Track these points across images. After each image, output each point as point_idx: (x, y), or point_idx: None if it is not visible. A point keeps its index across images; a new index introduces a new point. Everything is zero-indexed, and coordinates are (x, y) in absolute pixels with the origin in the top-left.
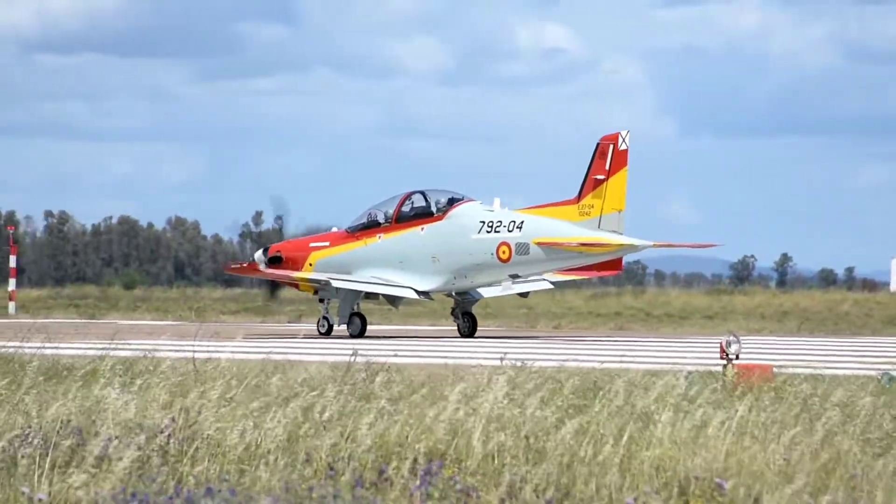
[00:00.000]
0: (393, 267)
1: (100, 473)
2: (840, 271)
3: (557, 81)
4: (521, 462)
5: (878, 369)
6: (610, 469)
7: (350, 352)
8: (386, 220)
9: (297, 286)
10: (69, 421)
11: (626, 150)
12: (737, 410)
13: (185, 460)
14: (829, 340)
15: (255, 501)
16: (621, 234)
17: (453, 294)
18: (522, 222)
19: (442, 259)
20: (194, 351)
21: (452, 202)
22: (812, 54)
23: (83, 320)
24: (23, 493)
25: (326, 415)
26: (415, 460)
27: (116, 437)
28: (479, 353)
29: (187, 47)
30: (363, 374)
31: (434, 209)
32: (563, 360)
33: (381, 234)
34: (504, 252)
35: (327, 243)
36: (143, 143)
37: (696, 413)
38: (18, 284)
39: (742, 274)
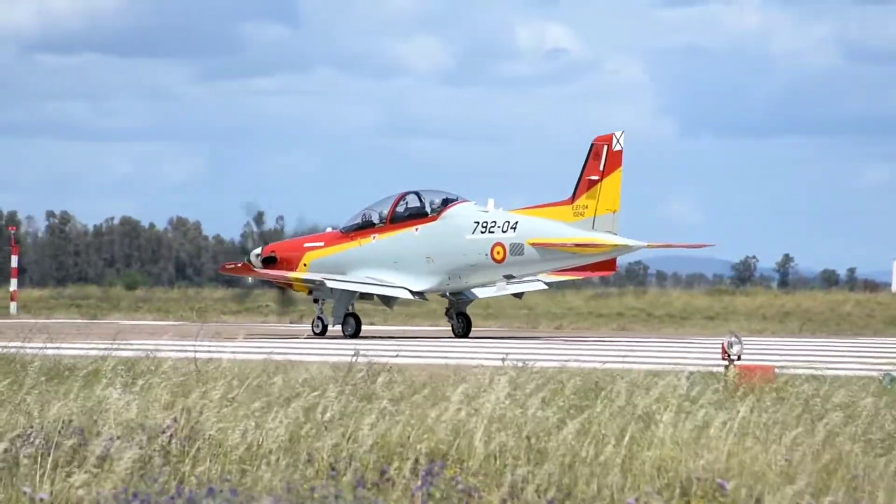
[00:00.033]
0: (387, 267)
1: (101, 473)
2: (842, 272)
3: (558, 81)
4: (523, 462)
5: (880, 370)
6: (611, 469)
7: (351, 352)
8: (380, 221)
9: (291, 286)
10: (71, 421)
11: (620, 151)
12: (738, 411)
13: (186, 460)
14: (830, 341)
15: (256, 502)
16: (616, 234)
17: (447, 294)
18: (517, 223)
19: (436, 259)
20: (196, 351)
21: (447, 202)
22: (813, 54)
23: (85, 320)
24: (24, 493)
25: (328, 415)
26: (416, 461)
27: (118, 438)
28: (480, 353)
29: (188, 47)
30: (364, 374)
31: (428, 209)
32: (565, 361)
33: (376, 235)
34: (498, 252)
35: (322, 243)
36: (143, 143)
37: (698, 414)
38: (20, 285)
39: (744, 275)
